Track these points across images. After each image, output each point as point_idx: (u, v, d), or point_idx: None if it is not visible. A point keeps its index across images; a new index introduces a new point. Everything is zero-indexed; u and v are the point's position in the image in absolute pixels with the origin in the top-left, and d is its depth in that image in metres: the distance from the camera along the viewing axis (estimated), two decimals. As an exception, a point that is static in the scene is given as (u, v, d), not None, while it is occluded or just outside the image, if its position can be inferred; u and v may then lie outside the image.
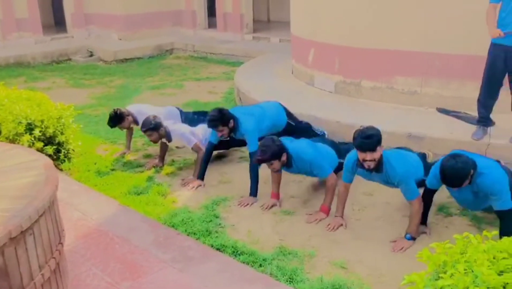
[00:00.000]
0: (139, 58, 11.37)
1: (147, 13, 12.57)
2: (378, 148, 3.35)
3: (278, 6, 13.32)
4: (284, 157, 3.84)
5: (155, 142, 4.88)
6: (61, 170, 4.81)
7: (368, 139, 3.33)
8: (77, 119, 5.80)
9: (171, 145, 4.91)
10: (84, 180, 4.68)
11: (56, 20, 14.32)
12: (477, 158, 3.31)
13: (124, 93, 8.24)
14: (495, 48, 4.37)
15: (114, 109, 5.18)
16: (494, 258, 1.89)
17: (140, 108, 5.36)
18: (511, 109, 4.46)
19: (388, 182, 3.61)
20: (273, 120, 4.80)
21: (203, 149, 4.68)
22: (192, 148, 4.72)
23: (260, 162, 3.89)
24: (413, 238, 3.48)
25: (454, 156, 3.18)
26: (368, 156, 3.35)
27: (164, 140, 4.84)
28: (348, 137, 4.81)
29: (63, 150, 4.67)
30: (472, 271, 1.83)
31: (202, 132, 4.91)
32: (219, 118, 4.31)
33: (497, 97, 4.54)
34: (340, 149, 4.36)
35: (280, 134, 4.66)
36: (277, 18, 13.52)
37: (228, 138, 4.55)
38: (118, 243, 3.17)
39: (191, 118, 5.59)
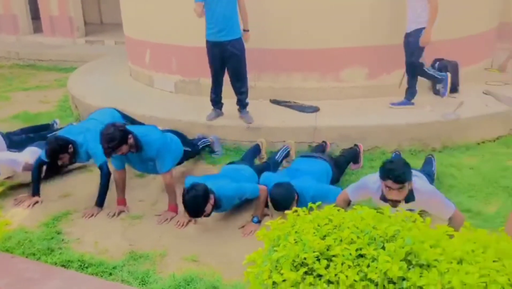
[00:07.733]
0: (-49, 70, 9.92)
1: (-44, 19, 11.03)
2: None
3: (111, 8, 12.77)
4: (131, 140, 3.67)
5: None
6: None
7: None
8: None
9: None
10: None
11: None
12: (296, 181, 3.70)
13: None
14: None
15: None
16: (318, 225, 2.13)
17: None
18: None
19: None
20: None
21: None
22: (23, 170, 4.32)
23: (109, 152, 3.63)
24: (259, 221, 3.72)
25: (279, 185, 3.60)
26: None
27: None
28: (190, 134, 4.95)
29: None
30: (301, 240, 2.03)
31: (30, 156, 4.42)
32: (58, 149, 3.98)
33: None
34: (185, 138, 4.56)
35: None
36: (111, 20, 12.97)
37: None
38: None
39: (19, 140, 4.93)
